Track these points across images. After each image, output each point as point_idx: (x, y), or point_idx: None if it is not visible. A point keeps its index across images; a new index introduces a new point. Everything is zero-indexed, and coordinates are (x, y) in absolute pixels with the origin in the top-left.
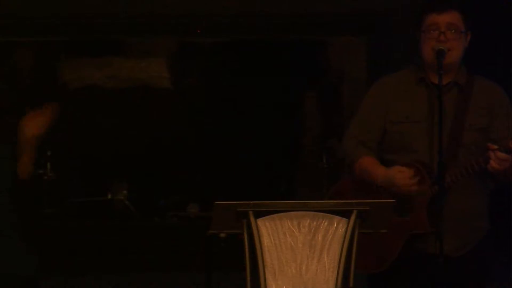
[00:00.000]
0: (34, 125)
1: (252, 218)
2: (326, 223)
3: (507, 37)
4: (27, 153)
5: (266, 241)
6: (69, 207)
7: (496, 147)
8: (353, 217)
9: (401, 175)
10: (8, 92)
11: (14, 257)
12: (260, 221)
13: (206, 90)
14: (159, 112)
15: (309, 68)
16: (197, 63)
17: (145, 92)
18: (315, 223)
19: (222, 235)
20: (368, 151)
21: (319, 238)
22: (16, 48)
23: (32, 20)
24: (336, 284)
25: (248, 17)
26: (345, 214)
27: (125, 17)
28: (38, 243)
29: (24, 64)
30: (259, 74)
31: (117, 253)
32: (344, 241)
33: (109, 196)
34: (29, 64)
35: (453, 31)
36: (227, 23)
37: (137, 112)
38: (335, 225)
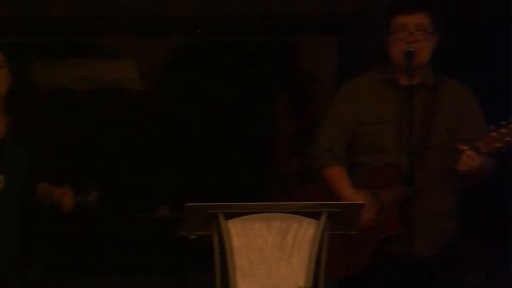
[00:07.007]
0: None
1: (221, 220)
2: (296, 225)
3: (507, 36)
4: None
5: (236, 242)
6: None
7: (465, 147)
8: (323, 219)
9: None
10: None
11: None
12: (230, 223)
13: (176, 91)
14: (130, 114)
15: (279, 69)
16: (167, 64)
17: (116, 94)
18: (285, 224)
19: (193, 236)
20: (336, 160)
21: (289, 239)
22: None
23: (0, 21)
24: (305, 286)
25: (217, 19)
26: (315, 215)
27: (95, 18)
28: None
29: None
30: (228, 75)
31: (85, 255)
32: (314, 242)
33: (79, 198)
34: None
35: (421, 31)
36: (195, 25)
37: (108, 114)
38: (305, 226)
